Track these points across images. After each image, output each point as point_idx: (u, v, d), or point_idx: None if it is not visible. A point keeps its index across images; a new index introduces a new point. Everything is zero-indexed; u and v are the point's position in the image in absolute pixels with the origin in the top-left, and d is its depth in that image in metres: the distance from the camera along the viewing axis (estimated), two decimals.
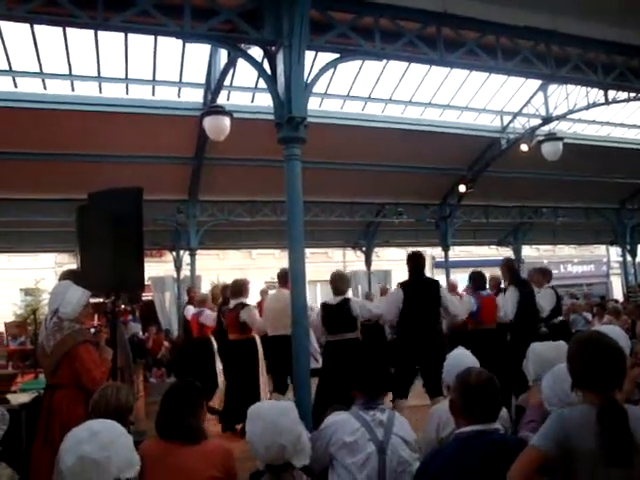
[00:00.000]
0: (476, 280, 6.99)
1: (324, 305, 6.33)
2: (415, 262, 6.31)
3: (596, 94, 9.84)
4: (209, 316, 8.48)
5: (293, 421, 2.43)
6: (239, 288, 7.31)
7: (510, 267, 7.05)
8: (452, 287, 11.21)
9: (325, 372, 6.04)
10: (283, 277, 6.94)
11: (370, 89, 10.78)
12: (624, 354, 2.25)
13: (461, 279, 13.12)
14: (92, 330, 6.24)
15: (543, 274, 7.73)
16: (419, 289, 6.11)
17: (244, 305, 7.09)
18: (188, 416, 2.81)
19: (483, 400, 2.56)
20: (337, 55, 5.62)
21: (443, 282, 13.36)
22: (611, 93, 9.43)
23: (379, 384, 3.18)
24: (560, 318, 7.22)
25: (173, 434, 2.76)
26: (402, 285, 6.22)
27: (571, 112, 10.85)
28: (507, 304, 6.73)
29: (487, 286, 7.16)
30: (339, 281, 6.32)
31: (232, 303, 7.24)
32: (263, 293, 9.80)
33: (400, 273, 19.34)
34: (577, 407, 2.22)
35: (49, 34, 8.12)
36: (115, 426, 2.28)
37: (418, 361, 5.86)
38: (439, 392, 5.45)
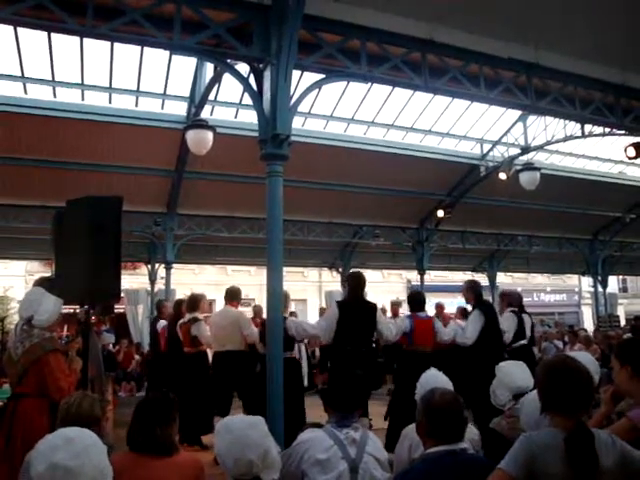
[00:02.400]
0: (413, 301, 6.77)
1: (262, 323, 6.44)
2: (354, 282, 6.35)
3: (573, 127, 10.09)
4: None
5: (261, 435, 2.41)
6: (194, 303, 7.44)
7: (474, 289, 6.96)
8: (440, 309, 11.20)
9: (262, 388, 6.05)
10: (230, 294, 7.13)
11: (353, 111, 10.90)
12: (591, 377, 2.27)
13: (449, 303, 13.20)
14: (63, 340, 6.13)
15: (501, 298, 7.70)
16: (358, 311, 6.08)
17: (196, 319, 7.22)
18: (162, 428, 2.77)
19: (447, 420, 2.56)
20: (323, 75, 5.69)
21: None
22: (587, 127, 9.68)
23: (351, 401, 3.18)
24: (522, 342, 7.04)
25: (145, 446, 2.72)
26: (339, 304, 6.20)
27: (549, 143, 11.10)
28: (468, 327, 6.66)
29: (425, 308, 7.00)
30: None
31: (186, 317, 7.37)
32: (258, 310, 9.66)
33: (376, 295, 19.41)
34: (545, 430, 2.23)
35: (33, 39, 8.07)
36: (89, 434, 2.22)
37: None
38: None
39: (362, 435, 3.09)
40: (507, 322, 6.98)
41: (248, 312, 8.78)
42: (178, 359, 7.50)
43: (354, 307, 6.10)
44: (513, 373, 3.72)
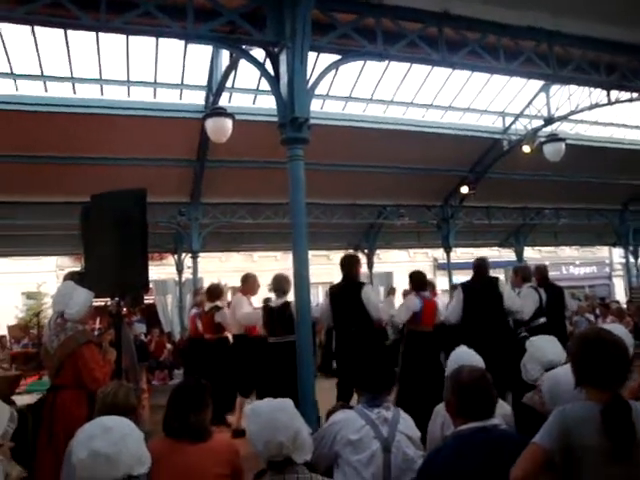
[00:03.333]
0: (416, 280, 6.59)
1: (265, 307, 6.55)
2: (342, 264, 6.28)
3: (599, 94, 9.83)
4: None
5: (290, 417, 2.44)
6: (216, 292, 7.92)
7: (476, 267, 6.64)
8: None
9: (267, 372, 6.22)
10: (242, 281, 7.40)
11: (372, 90, 10.79)
12: (627, 349, 2.24)
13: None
14: (96, 332, 6.26)
15: (515, 273, 7.38)
16: (346, 293, 6.01)
17: (218, 308, 7.66)
18: (196, 414, 2.82)
19: (476, 397, 2.55)
20: (339, 56, 5.63)
21: (445, 284, 13.38)
22: (614, 93, 9.42)
23: (382, 381, 3.18)
24: (542, 320, 6.64)
25: (181, 432, 2.77)
26: (331, 289, 6.18)
27: (573, 113, 10.85)
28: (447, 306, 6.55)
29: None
30: (278, 283, 6.35)
31: (207, 306, 7.83)
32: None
33: (402, 275, 19.39)
34: (580, 403, 2.21)
35: (50, 37, 8.15)
36: (126, 422, 2.30)
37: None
38: None
39: (394, 414, 3.10)
40: (523, 299, 6.67)
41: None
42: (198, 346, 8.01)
43: (345, 290, 6.02)
44: (544, 347, 3.69)
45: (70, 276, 4.71)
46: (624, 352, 2.22)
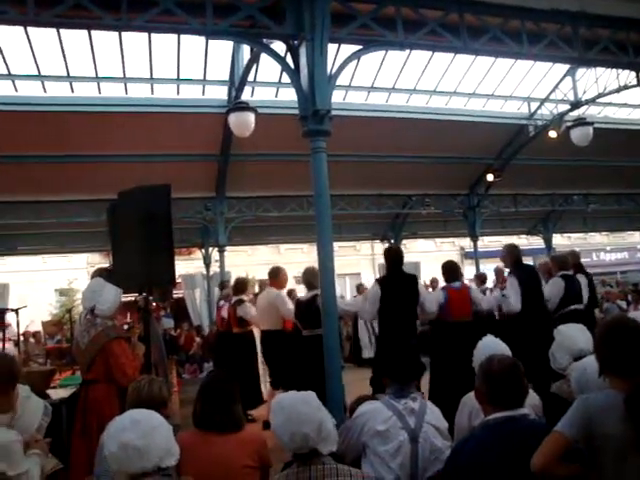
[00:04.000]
0: (446, 272, 6.49)
1: (297, 301, 6.54)
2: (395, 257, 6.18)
3: (627, 76, 9.60)
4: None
5: (314, 409, 2.46)
6: (241, 285, 7.92)
7: (512, 253, 6.52)
8: (481, 278, 11.05)
9: (297, 366, 6.23)
10: (270, 275, 7.25)
11: (394, 80, 10.72)
12: None
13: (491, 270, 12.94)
14: (125, 327, 6.38)
15: (546, 263, 7.27)
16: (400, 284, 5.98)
17: (241, 301, 7.61)
18: (233, 405, 2.88)
19: (507, 386, 2.54)
20: (360, 47, 5.60)
21: (472, 273, 13.25)
22: None
23: (409, 371, 3.19)
24: (572, 307, 6.50)
25: (210, 424, 2.83)
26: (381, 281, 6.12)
27: (601, 96, 10.63)
28: (511, 296, 6.44)
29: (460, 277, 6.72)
30: (310, 276, 6.30)
31: (233, 299, 7.82)
32: None
33: (429, 264, 19.28)
34: (603, 392, 2.19)
35: (74, 38, 8.28)
36: (155, 416, 2.34)
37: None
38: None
39: (420, 405, 3.10)
40: (550, 288, 6.58)
41: (300, 290, 8.96)
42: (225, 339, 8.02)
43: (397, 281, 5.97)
44: (573, 336, 3.64)
45: (98, 273, 4.80)
46: None
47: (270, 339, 7.01)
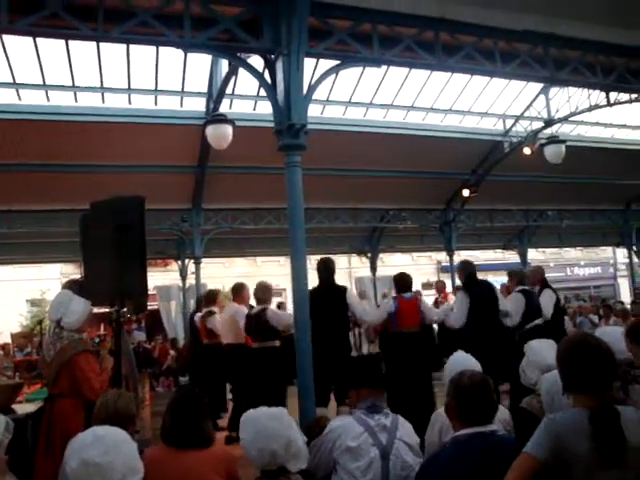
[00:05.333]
0: (398, 282, 6.61)
1: (247, 315, 6.73)
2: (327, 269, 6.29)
3: (598, 96, 9.83)
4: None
5: (284, 426, 2.45)
6: (211, 297, 8.06)
7: (463, 269, 6.64)
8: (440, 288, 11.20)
9: (247, 377, 6.48)
10: (234, 291, 7.55)
11: (372, 95, 10.82)
12: (612, 354, 2.23)
13: None
14: (96, 339, 6.28)
15: (510, 277, 7.25)
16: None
17: (211, 313, 7.71)
18: (198, 421, 2.85)
19: (477, 402, 2.55)
20: (337, 62, 5.65)
21: (449, 287, 13.36)
22: (613, 95, 9.42)
23: (379, 378, 3.20)
24: (537, 322, 6.56)
25: (181, 439, 2.79)
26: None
27: (573, 114, 10.85)
28: (454, 310, 6.51)
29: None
30: (260, 291, 6.64)
31: (203, 311, 7.93)
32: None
33: None
34: (569, 411, 2.21)
35: (51, 46, 8.21)
36: (119, 432, 2.30)
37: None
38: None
39: (392, 420, 3.10)
40: (510, 303, 6.64)
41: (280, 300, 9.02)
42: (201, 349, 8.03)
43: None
44: (543, 351, 3.68)
45: (69, 285, 4.73)
46: (610, 357, 2.21)
47: (232, 352, 7.18)
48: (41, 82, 8.96)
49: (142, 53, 8.75)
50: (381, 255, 18.50)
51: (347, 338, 6.31)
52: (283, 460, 2.36)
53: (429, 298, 13.81)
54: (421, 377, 6.17)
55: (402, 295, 6.50)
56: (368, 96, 10.85)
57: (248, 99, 10.33)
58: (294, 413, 5.30)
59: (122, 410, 2.88)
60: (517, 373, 3.85)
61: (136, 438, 2.91)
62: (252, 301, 7.27)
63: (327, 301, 5.93)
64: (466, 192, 13.43)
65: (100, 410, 2.91)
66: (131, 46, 8.14)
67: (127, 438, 2.26)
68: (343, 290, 6.23)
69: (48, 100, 9.35)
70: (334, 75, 7.46)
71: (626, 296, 23.19)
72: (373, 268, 17.42)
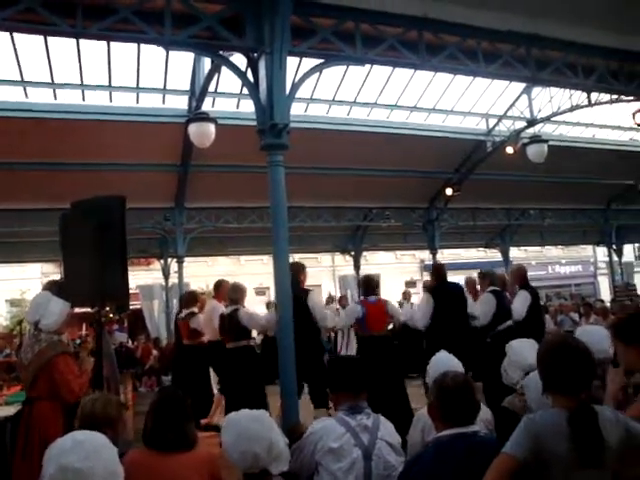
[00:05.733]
0: (363, 286, 6.66)
1: (220, 315, 6.76)
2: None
3: (579, 96, 9.93)
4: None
5: (265, 428, 2.44)
6: (190, 299, 8.07)
7: (433, 272, 6.75)
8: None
9: (225, 376, 6.62)
10: (214, 287, 7.75)
11: (355, 94, 10.81)
12: (591, 356, 2.24)
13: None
14: (77, 340, 6.20)
15: (480, 278, 7.22)
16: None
17: (193, 314, 7.71)
18: (181, 423, 2.81)
19: (459, 403, 2.56)
20: (320, 61, 5.62)
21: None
22: (594, 95, 9.52)
23: (360, 382, 3.19)
24: (508, 323, 6.55)
25: (163, 443, 2.75)
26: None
27: (555, 114, 10.95)
28: (417, 311, 6.58)
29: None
30: (232, 292, 6.72)
31: (184, 312, 7.89)
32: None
33: (389, 277, 19.37)
34: (548, 411, 2.22)
35: (30, 42, 8.08)
36: (99, 437, 2.26)
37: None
38: (323, 404, 5.53)
39: (374, 421, 3.10)
40: (480, 305, 6.72)
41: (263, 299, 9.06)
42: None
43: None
44: (524, 351, 3.70)
45: (49, 286, 4.66)
46: (589, 359, 2.22)
47: (213, 349, 7.25)
48: (19, 78, 8.83)
49: (123, 50, 8.65)
50: (365, 253, 18.54)
51: (317, 340, 6.30)
52: (265, 463, 2.34)
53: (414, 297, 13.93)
54: (394, 380, 6.19)
55: (367, 299, 6.53)
56: (352, 94, 10.85)
57: (231, 97, 10.28)
58: (275, 412, 5.35)
59: (99, 412, 2.84)
60: (490, 372, 3.87)
61: (119, 440, 2.88)
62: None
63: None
64: (449, 191, 13.50)
65: (79, 412, 2.86)
66: (112, 43, 8.04)
67: (107, 443, 2.21)
68: (305, 294, 6.22)
69: (26, 97, 9.21)
70: (318, 73, 7.43)
71: (606, 294, 23.49)
72: (357, 266, 17.45)
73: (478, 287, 7.45)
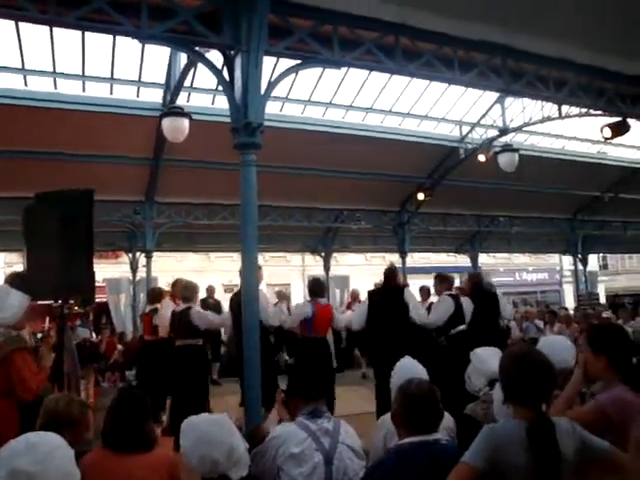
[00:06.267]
0: (314, 287, 6.66)
1: (172, 312, 6.87)
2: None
3: (551, 108, 10.09)
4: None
5: (225, 432, 2.41)
6: (155, 295, 8.17)
7: (388, 274, 6.71)
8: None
9: (173, 373, 6.66)
10: (173, 287, 7.81)
11: (331, 95, 10.81)
12: (552, 368, 2.28)
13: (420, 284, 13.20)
14: (39, 335, 6.07)
15: (435, 280, 7.29)
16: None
17: (156, 310, 7.82)
18: (140, 422, 2.77)
19: (423, 411, 2.58)
20: (296, 62, 5.62)
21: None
22: (565, 108, 9.69)
23: (318, 387, 3.19)
24: (461, 328, 6.64)
25: (122, 443, 2.71)
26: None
27: (527, 125, 11.10)
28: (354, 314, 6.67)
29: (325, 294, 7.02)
30: (184, 290, 6.84)
31: (147, 308, 8.10)
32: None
33: (359, 278, 19.42)
34: (508, 422, 2.26)
35: (1, 26, 7.88)
36: (54, 438, 2.20)
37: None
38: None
39: (334, 425, 3.10)
40: (437, 307, 6.81)
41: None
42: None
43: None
44: (488, 359, 3.74)
45: (11, 278, 4.55)
46: (549, 371, 2.26)
47: (163, 346, 7.28)
48: None
49: (98, 39, 8.48)
50: (335, 254, 18.55)
51: (266, 340, 6.18)
52: (224, 468, 2.31)
53: None
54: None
55: (319, 300, 6.53)
56: (328, 96, 10.85)
57: (207, 93, 10.18)
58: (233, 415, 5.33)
59: (62, 413, 2.78)
60: (443, 376, 3.91)
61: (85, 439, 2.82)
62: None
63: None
64: (421, 195, 13.59)
65: (41, 412, 2.80)
66: (87, 32, 7.89)
67: (62, 444, 2.15)
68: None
69: None
70: (294, 74, 7.42)
71: (570, 302, 23.96)
72: (326, 267, 17.45)
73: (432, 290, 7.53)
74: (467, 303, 6.90)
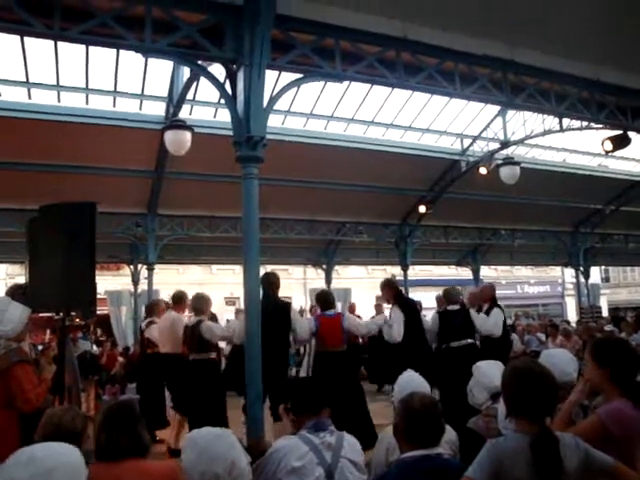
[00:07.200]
0: (319, 300, 6.60)
1: (185, 327, 6.73)
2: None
3: (552, 121, 10.14)
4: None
5: (227, 447, 2.38)
6: (151, 308, 8.15)
7: (389, 286, 6.80)
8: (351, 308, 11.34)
9: (182, 390, 6.59)
10: (174, 299, 7.63)
11: (333, 108, 10.87)
12: (555, 383, 2.28)
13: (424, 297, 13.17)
14: (40, 347, 6.06)
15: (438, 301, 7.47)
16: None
17: (151, 323, 7.72)
18: (134, 426, 2.73)
19: (425, 425, 2.56)
20: (299, 75, 5.66)
21: None
22: (566, 121, 9.73)
23: (320, 400, 3.17)
24: (452, 344, 6.65)
25: (118, 450, 2.67)
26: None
27: (528, 137, 11.15)
28: (394, 325, 6.62)
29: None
30: (195, 302, 6.66)
31: (145, 321, 7.98)
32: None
33: (361, 291, 19.41)
34: (511, 436, 2.25)
35: (5, 40, 7.94)
36: (58, 454, 2.13)
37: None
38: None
39: (337, 438, 3.07)
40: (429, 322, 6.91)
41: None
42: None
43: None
44: (490, 373, 3.73)
45: (12, 290, 4.56)
46: (552, 385, 2.26)
47: (169, 362, 7.06)
48: None
49: (102, 53, 8.56)
50: (337, 267, 18.55)
51: (286, 353, 6.20)
52: None
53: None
54: (352, 397, 6.07)
55: (324, 313, 6.47)
56: (329, 109, 10.91)
57: (209, 106, 10.24)
58: (235, 425, 5.30)
59: (66, 426, 2.74)
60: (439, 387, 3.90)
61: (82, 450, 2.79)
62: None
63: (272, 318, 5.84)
64: (422, 208, 13.61)
65: (46, 422, 2.77)
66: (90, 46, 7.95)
67: (67, 462, 2.09)
68: (286, 305, 6.22)
69: (0, 95, 9.04)
70: (296, 87, 7.47)
71: (573, 314, 23.89)
72: (328, 280, 17.45)
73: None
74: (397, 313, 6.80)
